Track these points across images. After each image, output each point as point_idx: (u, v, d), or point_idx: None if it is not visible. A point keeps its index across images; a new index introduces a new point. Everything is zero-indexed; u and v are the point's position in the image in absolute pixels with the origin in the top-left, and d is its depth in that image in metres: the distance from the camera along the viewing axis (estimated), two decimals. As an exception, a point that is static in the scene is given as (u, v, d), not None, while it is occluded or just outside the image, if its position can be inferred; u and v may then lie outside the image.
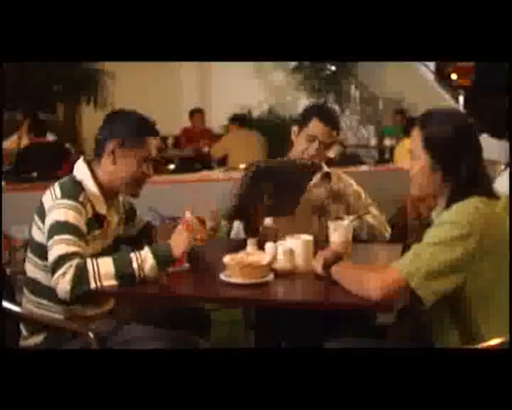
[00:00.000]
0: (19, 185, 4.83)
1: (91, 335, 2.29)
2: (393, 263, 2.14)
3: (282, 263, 2.44)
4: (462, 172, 2.15)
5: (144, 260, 2.32)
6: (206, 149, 8.65)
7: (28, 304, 2.50)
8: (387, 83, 10.36)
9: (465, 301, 2.14)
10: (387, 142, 9.04)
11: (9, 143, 7.34)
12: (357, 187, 3.41)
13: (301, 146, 3.24)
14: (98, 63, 9.67)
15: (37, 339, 2.46)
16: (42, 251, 2.41)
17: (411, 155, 2.25)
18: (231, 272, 2.33)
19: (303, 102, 10.88)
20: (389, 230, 3.34)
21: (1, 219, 2.68)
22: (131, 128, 2.52)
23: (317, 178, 3.31)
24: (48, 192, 2.46)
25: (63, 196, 2.41)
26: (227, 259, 2.35)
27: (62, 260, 2.27)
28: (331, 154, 10.27)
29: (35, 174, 5.74)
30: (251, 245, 2.59)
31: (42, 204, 2.44)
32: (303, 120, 3.27)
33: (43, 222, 2.41)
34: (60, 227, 2.34)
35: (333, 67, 10.82)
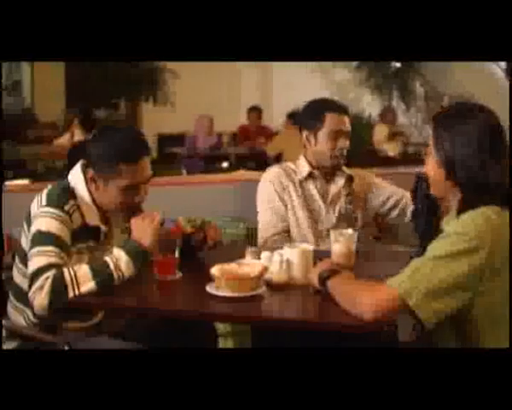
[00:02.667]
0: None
1: (67, 348, 2.19)
2: (390, 279, 1.92)
3: (276, 275, 2.25)
4: (465, 177, 1.93)
5: (118, 258, 2.25)
6: (261, 147, 8.50)
7: (11, 309, 2.43)
8: (455, 80, 9.97)
9: (472, 323, 1.90)
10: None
11: (62, 141, 7.37)
12: (377, 180, 3.23)
13: (326, 146, 3.04)
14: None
15: (11, 345, 2.38)
16: (26, 259, 2.31)
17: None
18: (218, 284, 2.16)
19: (366, 99, 10.64)
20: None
21: (1, 220, 2.60)
22: (104, 156, 2.33)
23: (339, 183, 3.11)
24: (35, 199, 2.36)
25: (48, 204, 2.31)
26: (214, 269, 2.18)
27: (40, 272, 2.19)
28: (391, 152, 9.94)
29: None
30: (250, 254, 2.42)
31: (29, 211, 2.36)
32: (314, 120, 3.06)
33: (29, 230, 2.33)
34: (42, 238, 2.25)
35: (397, 64, 10.50)
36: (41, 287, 2.16)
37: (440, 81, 10.22)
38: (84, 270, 2.21)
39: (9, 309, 2.44)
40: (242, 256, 2.42)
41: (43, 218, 2.28)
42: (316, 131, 3.05)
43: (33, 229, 2.28)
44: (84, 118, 6.84)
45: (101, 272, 2.22)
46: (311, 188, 3.09)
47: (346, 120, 3.06)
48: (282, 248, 2.33)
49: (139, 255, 2.28)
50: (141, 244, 2.28)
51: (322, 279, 2.09)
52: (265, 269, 2.20)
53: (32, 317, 2.36)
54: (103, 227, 2.43)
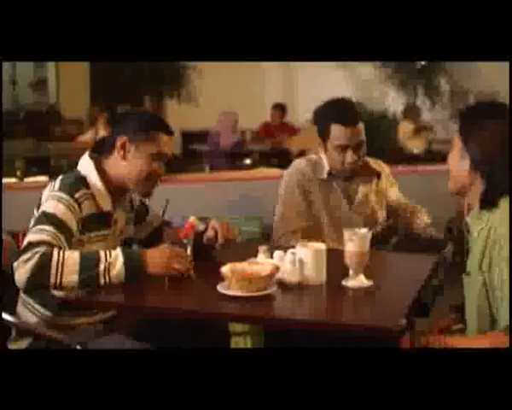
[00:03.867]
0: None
1: (78, 347, 2.17)
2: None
3: (289, 274, 2.22)
4: (490, 169, 2.00)
5: (113, 263, 2.19)
6: (284, 145, 8.46)
7: (21, 306, 2.42)
8: (480, 78, 9.86)
9: None
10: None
11: (85, 138, 7.40)
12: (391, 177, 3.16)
13: (335, 158, 2.88)
14: (182, 58, 9.68)
15: (23, 344, 2.38)
16: None
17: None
18: (228, 283, 2.13)
19: (391, 96, 10.56)
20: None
21: (1, 219, 2.62)
22: (140, 123, 2.45)
23: (368, 182, 3.03)
24: (48, 186, 2.39)
25: (60, 188, 2.33)
26: (225, 268, 2.15)
27: (31, 246, 2.16)
28: (416, 149, 9.84)
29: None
30: (262, 253, 2.39)
31: (40, 198, 2.37)
32: (321, 129, 2.89)
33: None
34: (44, 218, 2.25)
35: (422, 61, 10.39)
36: (28, 259, 2.12)
37: (466, 78, 10.11)
38: (73, 260, 2.15)
39: (19, 307, 2.43)
40: (257, 255, 2.39)
41: (51, 200, 2.30)
42: (324, 139, 2.89)
43: (40, 210, 2.29)
44: (113, 115, 6.88)
45: (89, 270, 2.16)
46: (335, 187, 2.96)
47: (357, 129, 2.84)
48: (294, 247, 2.29)
49: (135, 270, 2.22)
50: (145, 265, 2.23)
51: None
52: (277, 268, 2.17)
53: (42, 310, 2.37)
54: (115, 214, 2.46)
